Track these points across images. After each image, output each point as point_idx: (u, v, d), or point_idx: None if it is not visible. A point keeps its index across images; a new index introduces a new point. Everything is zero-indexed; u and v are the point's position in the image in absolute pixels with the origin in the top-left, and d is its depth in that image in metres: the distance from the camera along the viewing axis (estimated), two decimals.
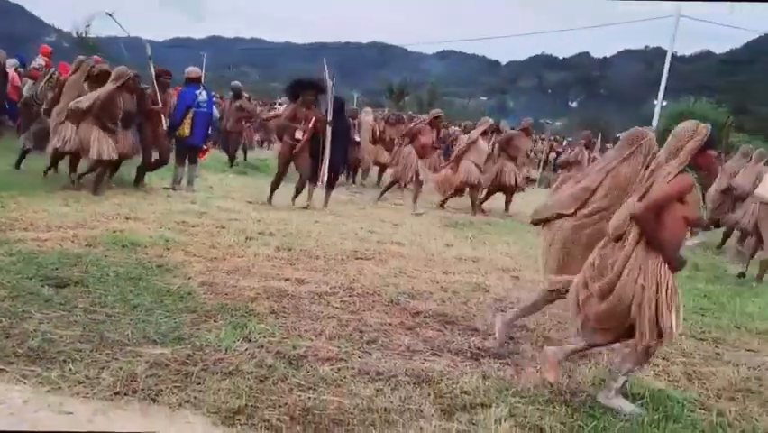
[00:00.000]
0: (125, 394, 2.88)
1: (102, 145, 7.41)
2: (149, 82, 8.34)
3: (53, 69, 9.68)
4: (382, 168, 13.92)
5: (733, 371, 3.97)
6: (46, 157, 8.09)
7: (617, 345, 3.66)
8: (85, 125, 7.43)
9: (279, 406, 2.94)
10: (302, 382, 3.19)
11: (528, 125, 12.10)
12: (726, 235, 9.67)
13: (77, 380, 2.94)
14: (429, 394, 3.22)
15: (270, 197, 8.62)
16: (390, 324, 4.25)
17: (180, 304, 4.08)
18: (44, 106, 8.46)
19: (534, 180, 17.53)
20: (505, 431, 2.92)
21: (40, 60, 11.25)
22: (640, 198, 3.22)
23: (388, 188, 10.99)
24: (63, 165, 8.24)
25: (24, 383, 2.87)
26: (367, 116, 14.00)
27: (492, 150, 11.39)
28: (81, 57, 8.16)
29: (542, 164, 20.66)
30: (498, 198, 11.51)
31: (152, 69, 8.31)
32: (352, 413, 2.94)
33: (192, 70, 9.09)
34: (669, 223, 3.15)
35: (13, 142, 10.38)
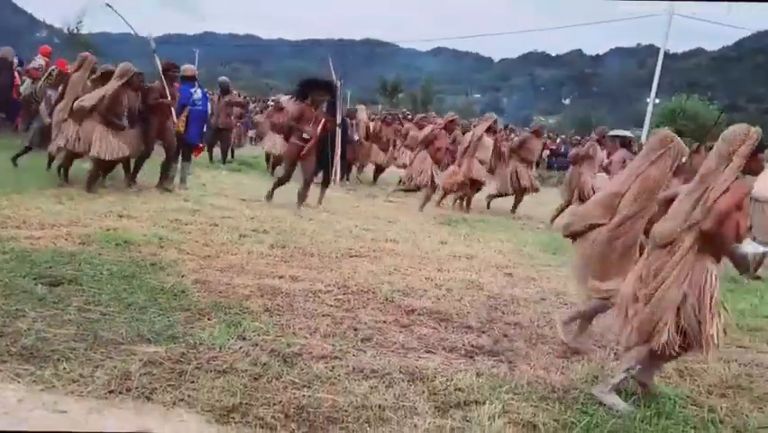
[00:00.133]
0: (119, 393, 2.88)
1: (103, 144, 7.36)
2: (152, 77, 8.29)
3: (53, 67, 9.69)
4: (378, 168, 13.91)
5: (724, 367, 3.99)
6: (51, 155, 8.05)
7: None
8: (88, 123, 7.39)
9: (274, 404, 2.94)
10: (296, 380, 3.20)
11: (539, 127, 11.95)
12: None
13: (72, 378, 2.93)
14: (423, 391, 3.24)
15: (271, 194, 8.55)
16: (385, 321, 4.26)
17: (174, 302, 4.08)
18: (42, 103, 8.46)
19: None
20: (498, 428, 2.93)
21: (39, 61, 11.29)
22: (694, 206, 3.18)
23: (405, 190, 10.75)
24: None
25: (18, 382, 2.87)
26: (360, 113, 14.01)
27: (496, 151, 11.32)
28: (85, 53, 8.11)
29: (534, 162, 20.68)
30: (497, 197, 11.44)
31: (159, 64, 8.24)
32: (346, 411, 2.95)
33: (188, 68, 9.06)
34: (725, 230, 3.15)
35: (9, 140, 10.37)
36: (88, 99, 7.34)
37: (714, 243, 3.16)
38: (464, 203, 10.94)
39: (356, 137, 12.57)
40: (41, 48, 12.27)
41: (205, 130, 9.59)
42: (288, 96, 10.32)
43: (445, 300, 4.89)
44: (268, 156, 12.68)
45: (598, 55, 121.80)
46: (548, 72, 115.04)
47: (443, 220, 9.02)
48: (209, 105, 10.19)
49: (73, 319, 3.60)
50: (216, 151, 13.03)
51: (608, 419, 3.08)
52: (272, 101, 19.08)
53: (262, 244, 5.91)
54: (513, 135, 22.12)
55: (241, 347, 3.50)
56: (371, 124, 13.98)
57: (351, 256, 5.97)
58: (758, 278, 7.28)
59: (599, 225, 3.93)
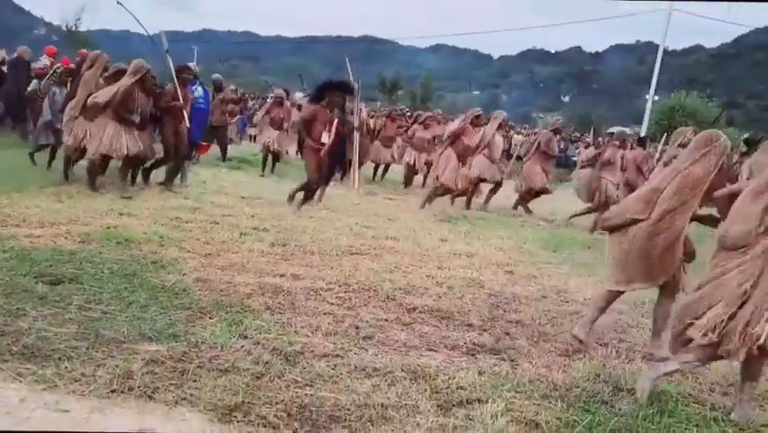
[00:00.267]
0: (122, 392, 2.87)
1: (114, 142, 7.32)
2: (162, 76, 8.24)
3: (58, 65, 9.72)
4: (378, 167, 13.81)
5: (726, 365, 3.97)
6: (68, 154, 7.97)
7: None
8: (100, 120, 7.35)
9: (276, 403, 2.94)
10: (298, 379, 3.19)
11: (559, 125, 11.59)
12: None
13: (73, 378, 2.93)
14: (425, 390, 3.23)
15: (295, 199, 8.14)
16: (386, 319, 4.25)
17: (175, 301, 4.08)
18: (45, 100, 8.49)
19: None
20: (501, 426, 2.93)
21: (45, 61, 11.36)
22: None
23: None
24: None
25: (20, 381, 2.86)
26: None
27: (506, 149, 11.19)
28: (97, 51, 8.06)
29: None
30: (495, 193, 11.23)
31: (171, 65, 8.17)
32: (348, 409, 2.95)
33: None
34: None
35: (11, 138, 10.41)
36: (102, 95, 7.30)
37: None
38: (466, 202, 10.81)
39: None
40: (46, 48, 12.37)
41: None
42: (302, 94, 10.19)
43: (446, 298, 4.88)
44: (266, 153, 12.43)
45: (597, 52, 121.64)
46: (547, 69, 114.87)
47: (443, 217, 9.01)
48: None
49: (74, 318, 3.60)
50: (216, 149, 12.99)
51: (611, 418, 3.08)
52: (271, 97, 19.06)
53: (263, 242, 5.91)
54: (512, 132, 22.13)
55: (242, 346, 3.50)
56: (371, 121, 13.89)
57: (351, 254, 5.96)
58: None
59: (639, 221, 3.93)
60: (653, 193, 3.92)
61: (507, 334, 4.25)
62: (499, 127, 10.72)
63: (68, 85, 8.64)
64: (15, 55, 11.97)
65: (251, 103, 22.92)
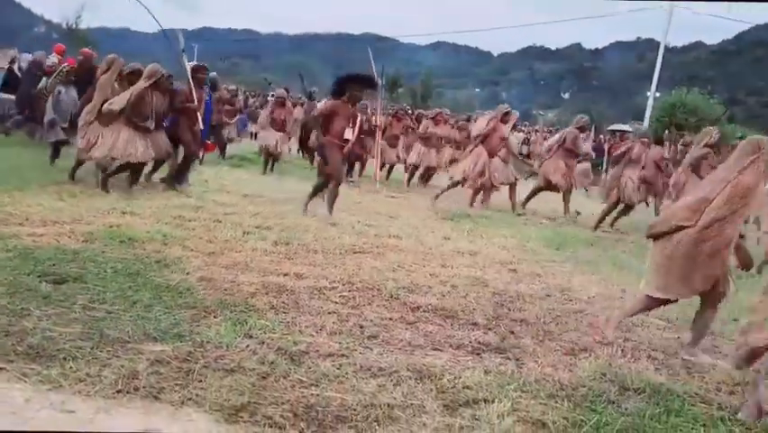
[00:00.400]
0: (127, 392, 2.86)
1: (129, 148, 7.27)
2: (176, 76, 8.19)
3: (64, 65, 9.75)
4: (383, 166, 13.73)
5: (731, 364, 3.97)
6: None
7: None
8: (115, 126, 7.30)
9: (282, 403, 2.92)
10: (304, 379, 3.18)
11: (584, 123, 11.23)
12: None
13: (79, 378, 2.91)
14: (431, 390, 3.22)
15: (331, 210, 7.59)
16: (390, 319, 4.24)
17: (180, 300, 4.06)
18: (50, 99, 8.49)
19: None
20: (508, 426, 2.92)
21: (53, 59, 11.41)
22: None
23: (450, 187, 10.45)
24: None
25: (25, 381, 2.85)
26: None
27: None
28: (113, 55, 7.99)
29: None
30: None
31: (187, 65, 8.12)
32: (355, 409, 2.93)
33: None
34: None
35: (9, 137, 10.41)
36: (117, 102, 7.24)
37: None
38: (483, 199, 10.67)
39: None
40: (55, 46, 12.52)
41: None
42: (326, 100, 9.98)
43: (450, 297, 4.87)
44: (266, 155, 12.30)
45: (597, 49, 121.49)
46: (547, 66, 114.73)
47: (446, 215, 9.00)
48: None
49: (78, 318, 3.58)
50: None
51: (618, 418, 3.07)
52: (272, 96, 19.03)
53: (266, 240, 5.90)
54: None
55: (248, 346, 3.48)
56: (373, 119, 13.81)
57: (354, 253, 5.95)
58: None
59: (684, 228, 3.91)
60: (702, 203, 3.90)
61: (512, 333, 4.24)
62: (513, 127, 10.62)
63: (75, 84, 8.71)
64: (32, 58, 12.16)
65: (251, 101, 22.92)
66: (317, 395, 3.03)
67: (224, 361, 3.27)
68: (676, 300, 4.21)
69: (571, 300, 5.18)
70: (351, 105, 7.58)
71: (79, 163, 7.83)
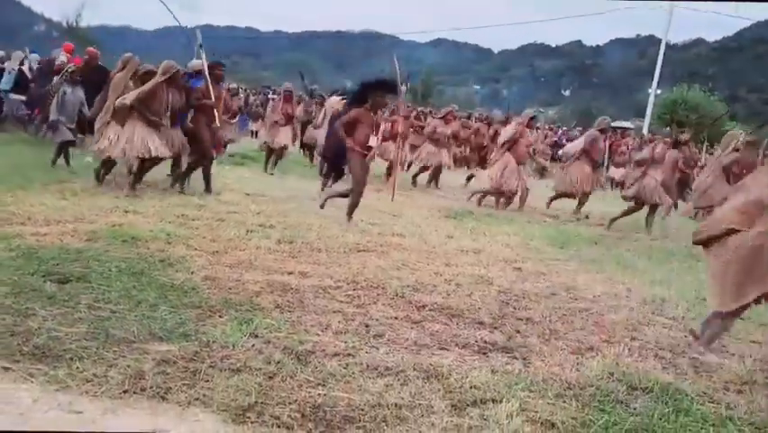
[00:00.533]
0: (134, 392, 2.85)
1: (144, 144, 7.20)
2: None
3: (70, 65, 9.77)
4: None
5: (739, 363, 3.97)
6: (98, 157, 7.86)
7: None
8: (130, 124, 7.25)
9: (289, 403, 2.91)
10: (311, 379, 3.16)
11: (605, 125, 11.12)
12: None
13: (85, 378, 2.90)
14: (439, 389, 3.20)
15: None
16: (396, 318, 4.22)
17: (185, 299, 4.05)
18: (55, 99, 8.49)
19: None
20: (516, 426, 2.90)
21: (62, 58, 11.51)
22: None
23: (483, 196, 10.38)
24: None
25: (32, 382, 2.84)
26: None
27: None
28: (128, 54, 7.96)
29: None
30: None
31: (204, 61, 8.05)
32: (362, 409, 2.92)
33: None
34: None
35: (11, 135, 10.41)
36: (130, 96, 7.21)
37: None
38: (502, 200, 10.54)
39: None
40: (64, 45, 12.76)
41: None
42: (338, 98, 9.88)
43: (455, 296, 4.86)
44: (269, 152, 12.20)
45: (598, 46, 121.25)
46: (548, 63, 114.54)
47: (449, 213, 8.99)
48: None
49: (84, 317, 3.57)
50: None
51: (627, 418, 3.05)
52: (273, 92, 19.00)
53: (269, 239, 5.88)
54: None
55: (253, 345, 3.47)
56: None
57: (358, 251, 5.94)
58: None
59: (735, 231, 3.87)
60: (754, 206, 3.85)
61: (518, 331, 4.22)
62: (528, 127, 10.50)
63: (81, 84, 8.71)
64: (47, 58, 12.33)
65: (252, 99, 22.87)
66: (324, 395, 3.01)
67: (230, 360, 3.26)
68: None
69: (576, 299, 5.16)
70: (374, 112, 7.37)
71: (105, 165, 7.77)
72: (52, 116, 8.78)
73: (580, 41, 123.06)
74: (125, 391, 2.84)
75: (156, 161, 7.51)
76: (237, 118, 15.99)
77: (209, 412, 2.78)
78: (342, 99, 9.35)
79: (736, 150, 7.10)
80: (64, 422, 2.59)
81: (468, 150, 15.10)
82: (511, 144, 9.84)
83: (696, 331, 4.24)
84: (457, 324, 4.26)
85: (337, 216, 7.55)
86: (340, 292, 4.61)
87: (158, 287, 4.20)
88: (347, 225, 7.08)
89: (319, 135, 12.07)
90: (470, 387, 3.25)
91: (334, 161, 8.76)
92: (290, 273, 4.90)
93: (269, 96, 19.98)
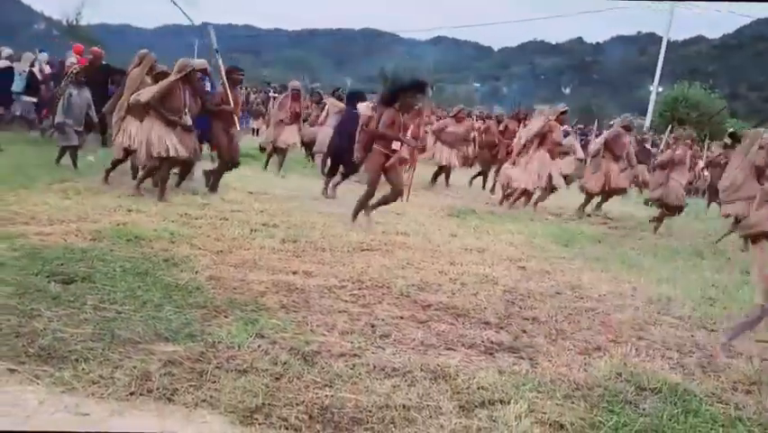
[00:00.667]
0: (141, 394, 2.82)
1: (164, 143, 7.08)
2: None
3: (75, 66, 9.79)
4: None
5: (747, 363, 3.95)
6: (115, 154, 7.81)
7: None
8: (147, 122, 7.16)
9: (297, 404, 2.89)
10: (318, 380, 3.14)
11: (628, 123, 10.98)
12: None
13: (92, 380, 2.88)
14: (446, 390, 3.18)
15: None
16: (401, 317, 4.20)
17: (189, 299, 4.03)
18: (60, 101, 8.49)
19: None
20: (525, 428, 2.88)
21: (72, 59, 11.57)
22: None
23: (518, 197, 10.24)
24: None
25: (38, 384, 2.81)
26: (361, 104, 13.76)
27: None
28: (144, 50, 7.88)
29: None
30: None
31: (221, 65, 7.94)
32: (370, 411, 2.90)
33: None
34: None
35: (13, 135, 10.42)
36: (144, 93, 7.13)
37: None
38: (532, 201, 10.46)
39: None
40: (74, 46, 12.84)
41: None
42: (367, 103, 9.77)
43: (461, 295, 4.84)
44: (271, 151, 12.00)
45: (598, 43, 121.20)
46: (548, 61, 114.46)
47: (452, 212, 8.97)
48: None
49: (89, 318, 3.55)
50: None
51: (636, 419, 3.04)
52: (274, 90, 18.94)
53: (273, 238, 5.86)
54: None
55: (259, 345, 3.45)
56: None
57: (362, 250, 5.92)
58: None
59: None
60: None
61: (524, 331, 4.20)
62: (558, 122, 10.20)
63: (87, 84, 8.70)
64: (60, 60, 12.61)
65: (252, 97, 22.85)
66: (332, 396, 2.99)
67: (236, 361, 3.24)
68: None
69: (581, 298, 5.14)
70: (402, 113, 7.18)
71: (115, 164, 7.75)
72: (58, 119, 8.74)
73: (580, 38, 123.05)
74: (132, 393, 2.82)
75: (172, 162, 7.37)
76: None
77: (216, 414, 2.76)
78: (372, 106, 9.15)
79: (762, 147, 7.07)
80: (71, 424, 2.57)
81: (477, 148, 14.86)
82: (541, 140, 9.64)
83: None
84: (463, 323, 4.24)
85: (340, 214, 7.54)
86: (345, 292, 4.59)
87: (162, 287, 4.18)
88: (371, 226, 7.01)
89: (319, 133, 12.04)
90: (478, 388, 3.23)
91: (339, 159, 8.77)
92: (295, 273, 4.88)
93: (270, 93, 19.95)
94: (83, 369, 2.96)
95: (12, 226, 5.20)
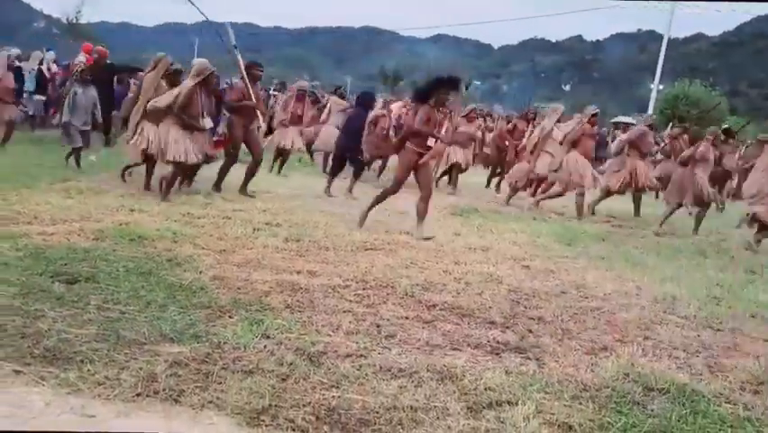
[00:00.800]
0: (147, 395, 2.81)
1: (180, 147, 7.03)
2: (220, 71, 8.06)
3: (79, 65, 9.80)
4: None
5: (754, 363, 3.93)
6: (131, 157, 7.76)
7: None
8: (164, 126, 7.10)
9: (304, 405, 2.87)
10: (324, 381, 3.13)
11: (652, 121, 10.89)
12: None
13: (97, 381, 2.86)
14: (454, 391, 3.16)
15: (365, 214, 7.08)
16: (407, 317, 4.18)
17: (194, 299, 4.01)
18: (66, 100, 8.61)
19: None
20: (534, 429, 2.86)
21: (81, 58, 11.61)
22: None
23: (551, 196, 10.17)
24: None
25: (43, 385, 2.80)
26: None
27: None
28: (161, 54, 7.82)
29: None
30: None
31: (240, 61, 7.90)
32: (377, 412, 2.88)
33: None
34: None
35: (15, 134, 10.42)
36: (162, 100, 7.07)
37: None
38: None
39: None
40: (83, 45, 12.86)
41: None
42: (400, 104, 9.62)
43: (465, 294, 4.81)
44: (278, 154, 11.53)
45: (598, 41, 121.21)
46: (548, 58, 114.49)
47: (455, 211, 8.94)
48: None
49: (93, 319, 3.53)
50: None
51: (645, 420, 3.02)
52: (275, 89, 18.87)
53: (277, 237, 5.85)
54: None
55: (265, 346, 3.43)
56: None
57: (366, 249, 5.90)
58: None
59: None
60: None
61: (530, 331, 4.18)
62: (558, 121, 10.29)
63: (93, 83, 8.69)
64: (71, 61, 12.62)
65: None
66: (339, 397, 2.98)
67: (242, 362, 3.22)
68: None
69: (586, 297, 5.12)
70: (436, 109, 6.99)
71: (146, 166, 7.69)
72: (64, 118, 8.71)
73: (580, 36, 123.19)
74: (138, 394, 2.80)
75: (186, 169, 7.32)
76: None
77: (223, 415, 2.75)
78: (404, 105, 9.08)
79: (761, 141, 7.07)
80: (77, 426, 2.56)
81: (484, 148, 14.70)
82: (574, 144, 9.55)
83: None
84: (468, 323, 4.22)
85: (343, 213, 7.52)
86: (349, 292, 4.57)
87: (166, 287, 4.16)
88: (422, 234, 6.76)
89: (321, 132, 11.99)
90: (485, 388, 3.21)
91: (345, 158, 8.74)
92: (299, 272, 4.86)
93: (271, 92, 19.88)
94: (88, 370, 2.94)
95: (14, 226, 5.18)
